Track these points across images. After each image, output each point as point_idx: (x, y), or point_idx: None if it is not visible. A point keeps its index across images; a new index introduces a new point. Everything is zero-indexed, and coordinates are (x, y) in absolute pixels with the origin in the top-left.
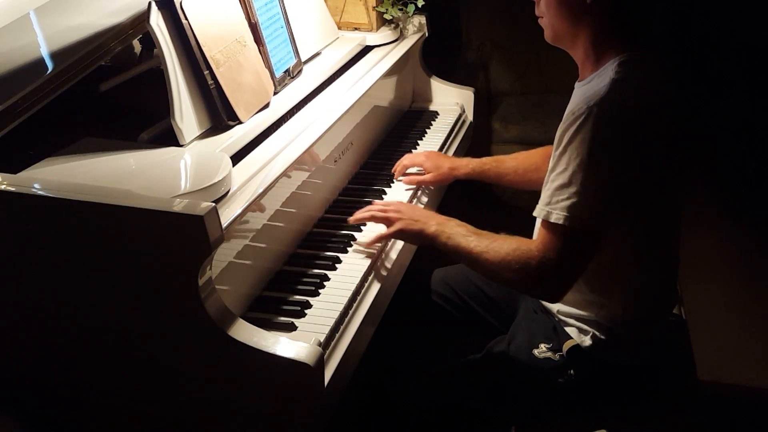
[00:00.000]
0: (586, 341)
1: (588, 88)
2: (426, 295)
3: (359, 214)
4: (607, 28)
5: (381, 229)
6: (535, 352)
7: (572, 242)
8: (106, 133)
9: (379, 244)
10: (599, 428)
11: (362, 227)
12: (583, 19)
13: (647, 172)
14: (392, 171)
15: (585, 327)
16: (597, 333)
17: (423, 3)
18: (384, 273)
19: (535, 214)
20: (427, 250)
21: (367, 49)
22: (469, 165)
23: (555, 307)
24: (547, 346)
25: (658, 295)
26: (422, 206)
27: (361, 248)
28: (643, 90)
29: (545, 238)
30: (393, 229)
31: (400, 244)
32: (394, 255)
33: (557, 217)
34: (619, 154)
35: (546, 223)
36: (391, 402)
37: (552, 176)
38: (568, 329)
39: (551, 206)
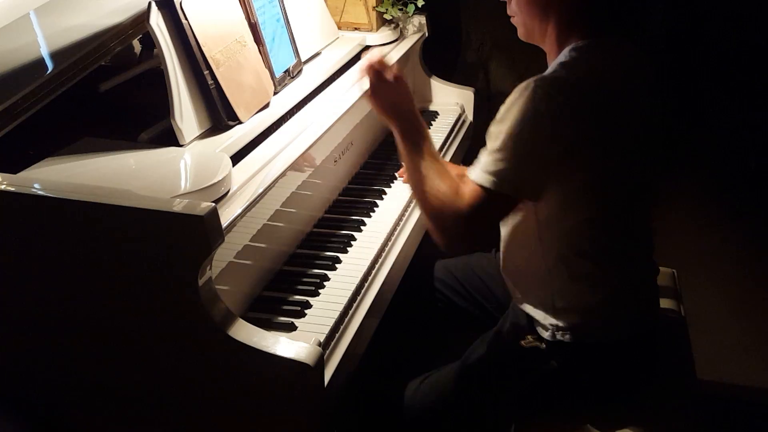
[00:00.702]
0: (561, 325)
1: None
2: (429, 284)
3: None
4: (570, 18)
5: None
6: (522, 342)
7: (486, 201)
8: (106, 133)
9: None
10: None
11: (362, 227)
12: (550, 12)
13: (585, 149)
14: (399, 175)
15: (553, 317)
16: (567, 317)
17: (423, 3)
18: (385, 271)
19: (467, 170)
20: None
21: (367, 49)
22: None
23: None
24: (534, 336)
25: (622, 284)
26: None
27: (362, 245)
28: (591, 71)
29: (470, 191)
30: (371, 96)
31: (402, 241)
32: (396, 250)
33: (479, 176)
34: (549, 128)
35: (469, 180)
36: (391, 401)
37: (488, 140)
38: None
39: (479, 165)
